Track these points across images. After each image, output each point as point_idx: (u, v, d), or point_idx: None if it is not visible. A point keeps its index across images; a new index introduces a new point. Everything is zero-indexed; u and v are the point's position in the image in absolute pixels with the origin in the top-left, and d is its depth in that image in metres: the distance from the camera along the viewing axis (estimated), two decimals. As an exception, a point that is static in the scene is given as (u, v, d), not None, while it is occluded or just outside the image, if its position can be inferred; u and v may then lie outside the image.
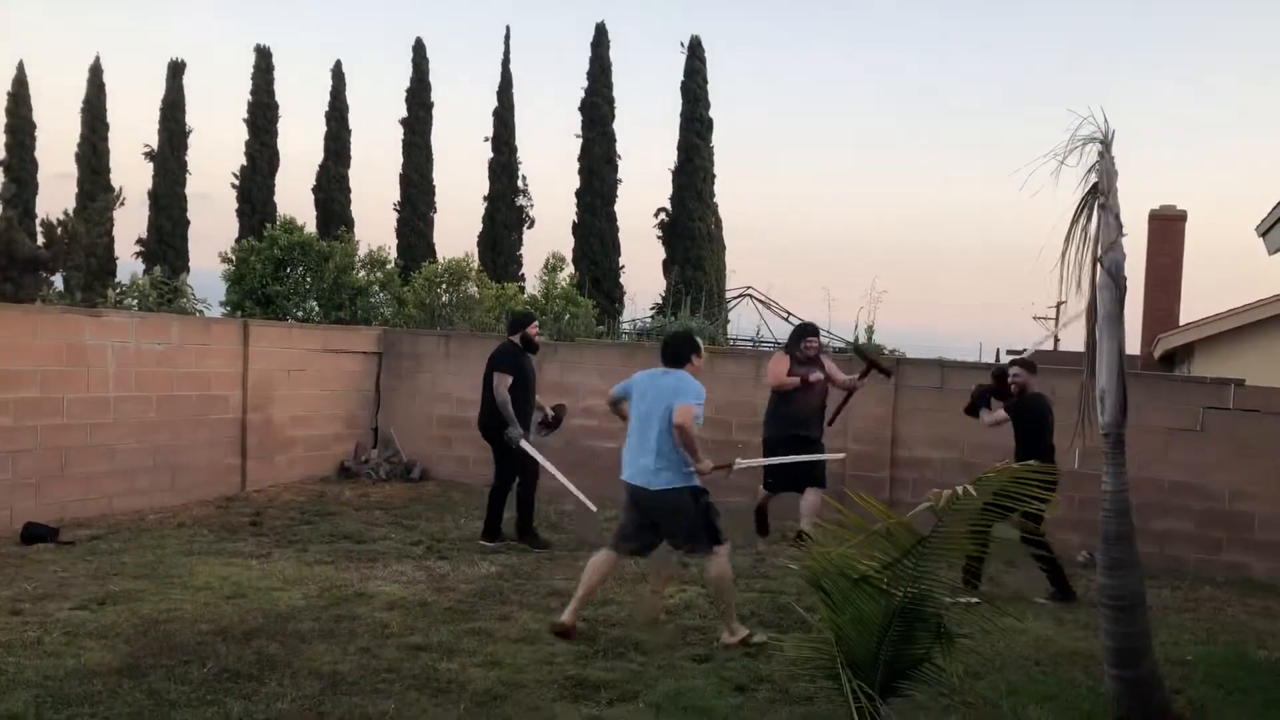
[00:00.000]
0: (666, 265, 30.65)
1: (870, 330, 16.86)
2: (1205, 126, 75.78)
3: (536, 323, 9.55)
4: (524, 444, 8.62)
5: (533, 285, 19.27)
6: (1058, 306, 41.92)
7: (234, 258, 16.28)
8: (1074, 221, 5.75)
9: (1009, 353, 26.90)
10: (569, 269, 20.98)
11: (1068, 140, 5.77)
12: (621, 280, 30.64)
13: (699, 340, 6.67)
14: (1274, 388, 9.75)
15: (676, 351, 6.53)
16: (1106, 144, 5.65)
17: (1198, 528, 9.75)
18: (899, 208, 70.96)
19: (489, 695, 5.29)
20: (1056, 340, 40.68)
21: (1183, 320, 17.23)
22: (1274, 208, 6.53)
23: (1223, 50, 70.96)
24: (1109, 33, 71.77)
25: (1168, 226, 17.16)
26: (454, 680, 5.47)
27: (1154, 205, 17.54)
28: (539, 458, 8.88)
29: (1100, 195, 5.58)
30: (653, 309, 28.13)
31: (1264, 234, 6.90)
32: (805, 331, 9.61)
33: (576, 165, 30.96)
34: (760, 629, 6.60)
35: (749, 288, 19.75)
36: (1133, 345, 20.51)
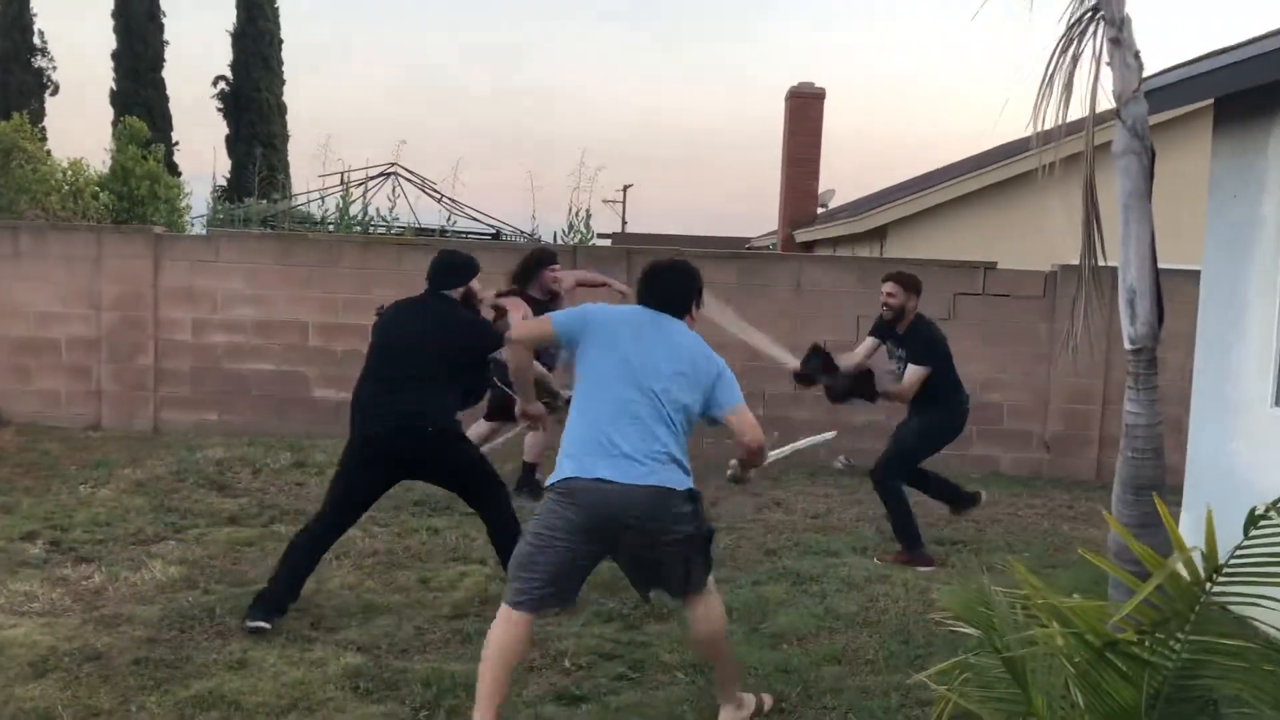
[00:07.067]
0: (230, 142, 27.15)
1: (587, 217, 15.17)
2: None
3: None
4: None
5: (100, 161, 15.31)
6: (624, 189, 41.80)
7: None
8: (1057, 59, 4.29)
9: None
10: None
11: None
12: (176, 159, 26.42)
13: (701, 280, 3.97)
14: (1024, 270, 9.21)
15: (678, 291, 3.89)
16: (1107, -46, 4.21)
17: (951, 423, 9.08)
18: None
19: None
20: (624, 223, 40.84)
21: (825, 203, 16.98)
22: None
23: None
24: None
25: (808, 104, 16.69)
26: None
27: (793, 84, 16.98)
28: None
29: (1110, 25, 4.14)
30: (216, 193, 24.62)
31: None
32: (541, 261, 6.94)
33: (112, 23, 26.18)
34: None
35: (393, 164, 17.14)
36: (767, 226, 20.14)
